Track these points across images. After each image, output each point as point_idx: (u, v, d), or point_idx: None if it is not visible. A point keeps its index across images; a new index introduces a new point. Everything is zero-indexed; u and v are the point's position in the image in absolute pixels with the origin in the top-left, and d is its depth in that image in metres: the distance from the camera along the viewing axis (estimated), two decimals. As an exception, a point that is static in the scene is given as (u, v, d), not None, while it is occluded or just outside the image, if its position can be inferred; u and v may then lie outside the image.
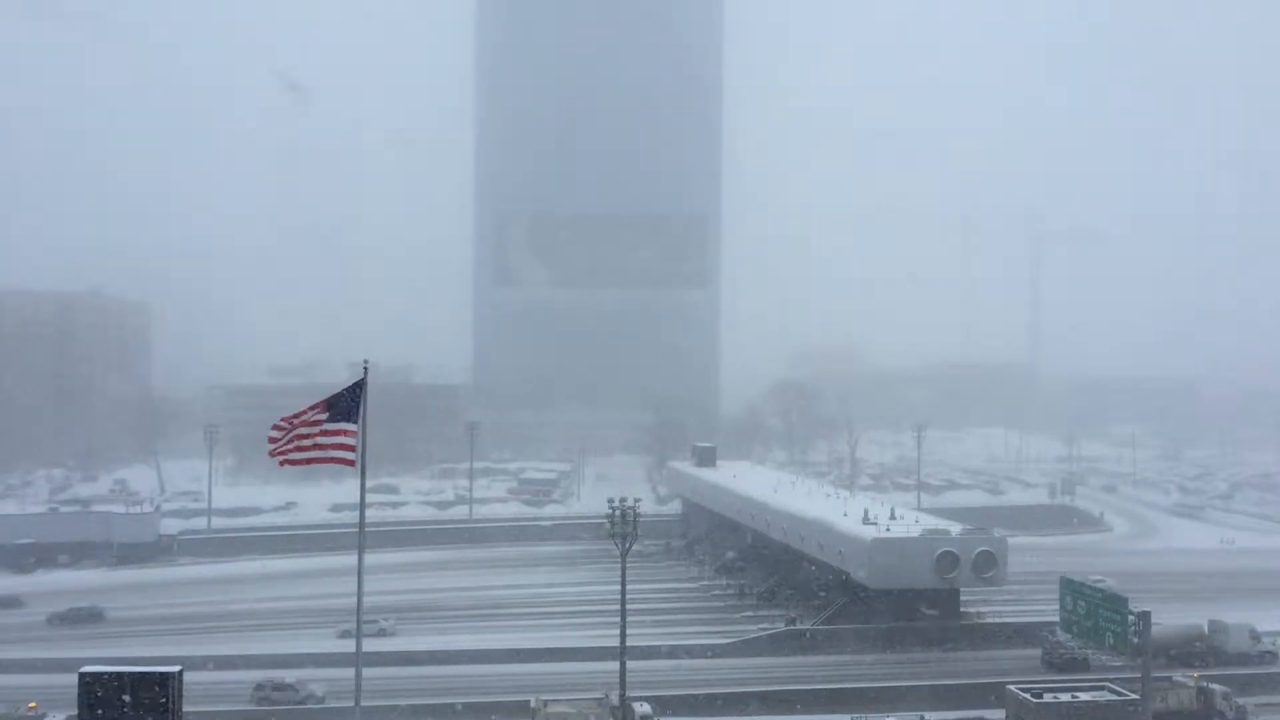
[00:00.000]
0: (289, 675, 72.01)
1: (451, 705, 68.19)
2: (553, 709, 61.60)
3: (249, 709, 68.25)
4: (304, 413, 39.87)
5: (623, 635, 60.81)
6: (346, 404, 40.25)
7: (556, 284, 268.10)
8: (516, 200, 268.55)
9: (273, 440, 40.11)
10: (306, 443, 39.98)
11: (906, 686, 70.89)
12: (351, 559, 44.86)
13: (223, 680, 72.63)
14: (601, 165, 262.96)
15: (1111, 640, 63.18)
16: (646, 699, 63.28)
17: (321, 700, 68.46)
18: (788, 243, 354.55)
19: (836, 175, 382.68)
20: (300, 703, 68.30)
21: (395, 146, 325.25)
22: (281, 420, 40.21)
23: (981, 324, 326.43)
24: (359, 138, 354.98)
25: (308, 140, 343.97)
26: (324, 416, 40.07)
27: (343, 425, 39.95)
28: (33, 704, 62.90)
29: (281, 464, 40.71)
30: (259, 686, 70.35)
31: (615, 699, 61.95)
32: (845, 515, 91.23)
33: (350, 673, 41.31)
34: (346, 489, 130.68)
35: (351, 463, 40.24)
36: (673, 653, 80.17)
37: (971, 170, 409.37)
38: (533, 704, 62.81)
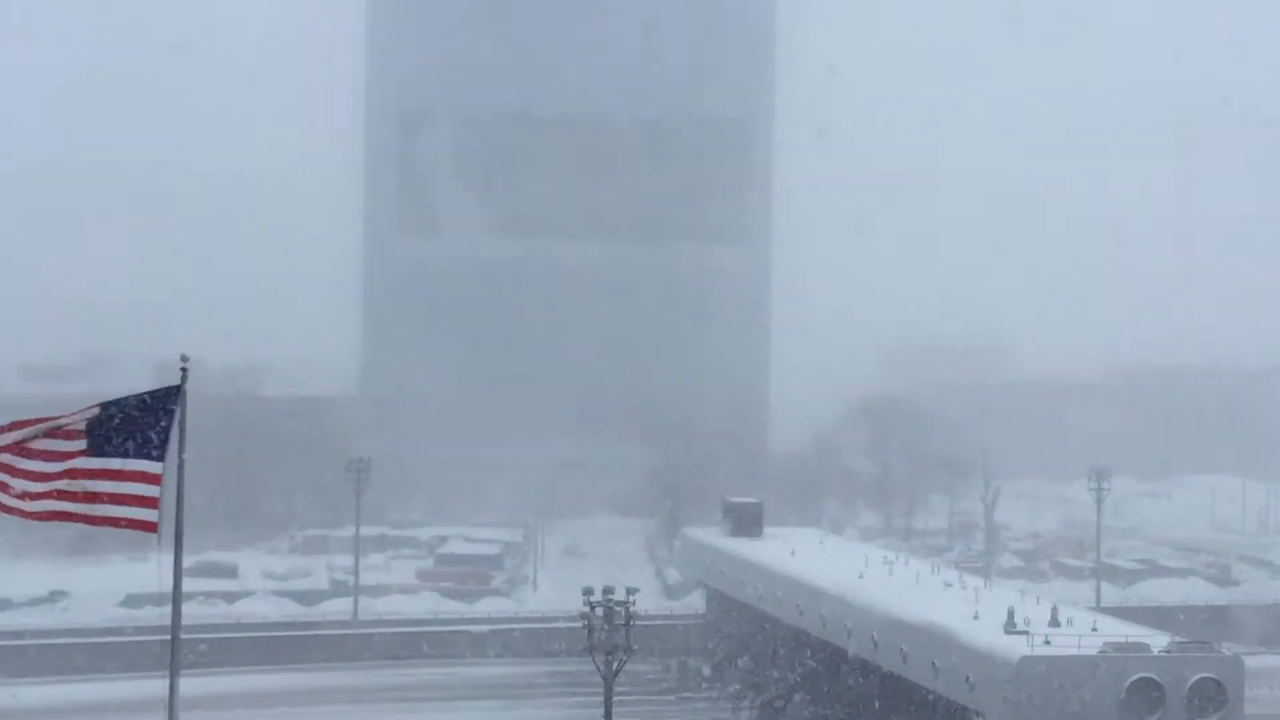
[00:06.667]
0: None
1: None
2: None
3: None
4: (59, 418, 29.19)
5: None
6: (143, 428, 28.79)
7: (500, 232, 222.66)
8: (436, 91, 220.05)
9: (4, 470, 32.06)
10: (74, 488, 29.69)
11: None
12: (156, 686, 37.74)
13: None
14: (575, 37, 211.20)
15: None
16: None
17: None
18: (882, 177, 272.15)
19: (957, 75, 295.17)
20: None
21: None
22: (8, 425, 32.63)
23: (1198, 313, 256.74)
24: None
25: None
26: (98, 445, 28.94)
27: (140, 465, 29.03)
28: None
29: (25, 516, 30.48)
30: None
31: None
32: (976, 618, 75.13)
33: None
34: (149, 570, 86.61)
35: (153, 527, 29.93)
36: None
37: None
38: None
